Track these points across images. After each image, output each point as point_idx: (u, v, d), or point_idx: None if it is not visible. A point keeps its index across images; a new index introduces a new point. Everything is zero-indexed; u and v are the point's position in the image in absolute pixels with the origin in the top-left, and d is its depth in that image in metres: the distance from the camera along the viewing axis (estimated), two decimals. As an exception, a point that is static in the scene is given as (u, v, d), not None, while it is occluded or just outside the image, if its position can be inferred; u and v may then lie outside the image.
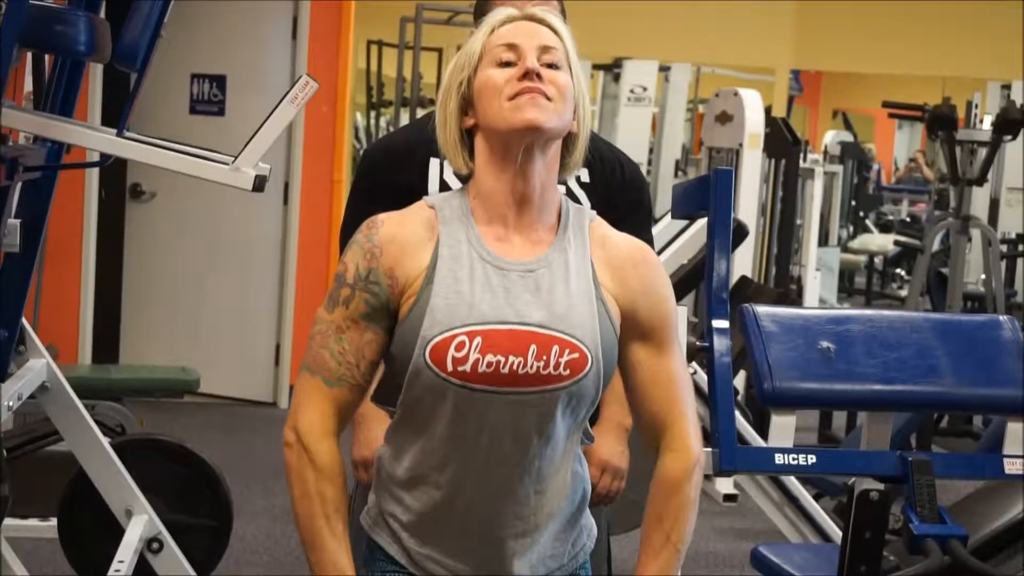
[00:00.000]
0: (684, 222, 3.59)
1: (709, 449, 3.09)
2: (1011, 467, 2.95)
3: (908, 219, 12.59)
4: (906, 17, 9.93)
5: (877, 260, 11.24)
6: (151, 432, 4.08)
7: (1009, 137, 7.81)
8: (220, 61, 6.80)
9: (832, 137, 11.84)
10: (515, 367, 1.77)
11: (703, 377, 3.55)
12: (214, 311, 6.90)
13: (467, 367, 1.76)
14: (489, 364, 1.76)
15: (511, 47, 1.83)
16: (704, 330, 3.00)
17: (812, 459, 2.92)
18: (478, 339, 1.76)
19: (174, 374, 5.08)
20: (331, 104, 6.76)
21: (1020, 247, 10.16)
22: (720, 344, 2.94)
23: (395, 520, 1.90)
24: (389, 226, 1.85)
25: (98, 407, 4.20)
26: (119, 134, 3.05)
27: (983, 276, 7.61)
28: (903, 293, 10.82)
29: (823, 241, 9.20)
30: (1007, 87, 10.85)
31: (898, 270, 11.13)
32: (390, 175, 2.51)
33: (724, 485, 4.11)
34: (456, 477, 1.83)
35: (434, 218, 1.85)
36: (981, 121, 8.12)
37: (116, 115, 3.03)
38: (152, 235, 7.02)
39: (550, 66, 1.83)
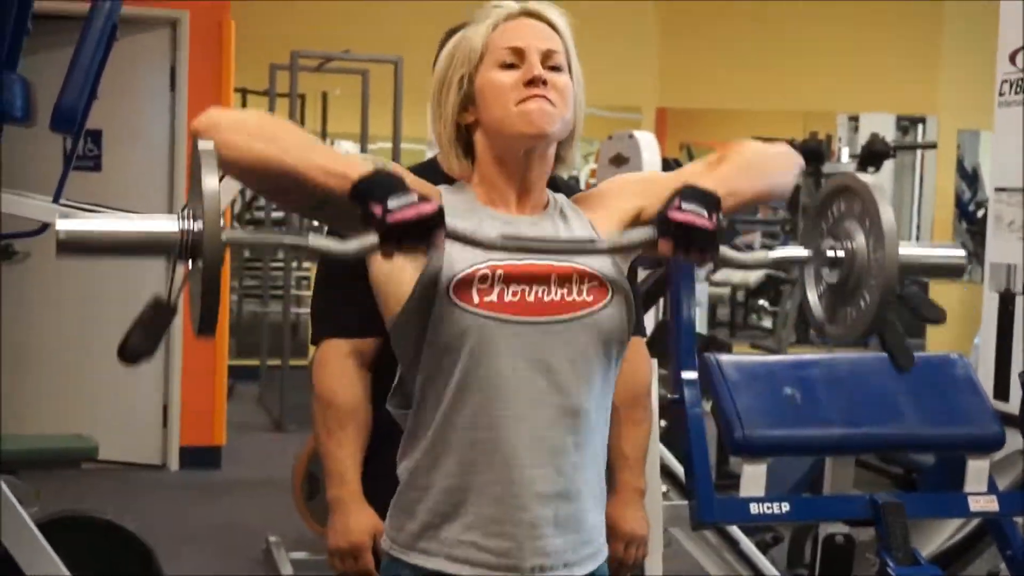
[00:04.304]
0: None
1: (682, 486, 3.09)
2: (976, 504, 3.01)
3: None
4: (761, 54, 10.25)
5: (739, 292, 11.45)
6: (79, 508, 3.91)
7: (873, 168, 8.05)
8: (95, 115, 6.51)
9: (689, 172, 12.07)
10: (540, 295, 1.78)
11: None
12: (97, 374, 6.55)
13: (493, 297, 1.76)
14: (515, 293, 1.77)
15: (515, 51, 1.85)
16: (673, 383, 3.00)
17: (786, 507, 2.94)
18: (500, 271, 1.77)
19: (71, 442, 4.84)
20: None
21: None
22: (691, 396, 2.94)
23: (429, 513, 1.80)
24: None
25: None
26: (56, 201, 2.94)
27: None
28: (767, 324, 11.03)
29: (693, 276, 9.32)
30: (854, 119, 11.21)
31: (761, 301, 11.34)
32: None
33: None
34: (484, 433, 1.77)
35: (438, 195, 1.86)
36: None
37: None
38: (28, 297, 6.71)
39: (553, 68, 1.86)
